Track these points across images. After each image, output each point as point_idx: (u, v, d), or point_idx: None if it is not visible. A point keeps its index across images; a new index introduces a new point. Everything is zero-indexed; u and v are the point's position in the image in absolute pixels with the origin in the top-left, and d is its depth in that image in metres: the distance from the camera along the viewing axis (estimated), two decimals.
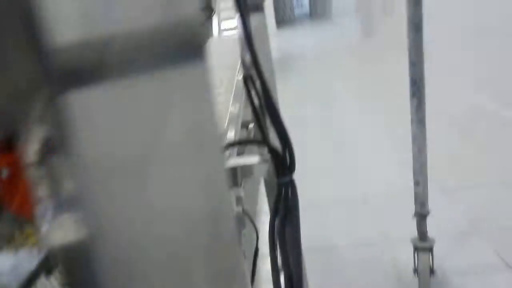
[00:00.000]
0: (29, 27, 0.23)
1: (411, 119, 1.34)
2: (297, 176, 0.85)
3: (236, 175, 0.82)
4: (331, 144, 2.71)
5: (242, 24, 0.73)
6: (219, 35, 2.93)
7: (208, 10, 3.38)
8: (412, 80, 1.29)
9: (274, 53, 6.20)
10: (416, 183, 1.39)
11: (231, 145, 0.88)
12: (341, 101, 3.65)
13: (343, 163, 2.45)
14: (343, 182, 2.24)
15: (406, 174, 1.49)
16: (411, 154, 1.38)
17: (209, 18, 3.28)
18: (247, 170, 0.83)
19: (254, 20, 0.93)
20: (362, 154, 2.53)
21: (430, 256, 1.41)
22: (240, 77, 1.15)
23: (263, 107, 0.94)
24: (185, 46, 0.25)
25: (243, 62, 1.02)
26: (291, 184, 0.91)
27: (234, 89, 1.40)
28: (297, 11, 11.92)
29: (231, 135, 1.31)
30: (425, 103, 1.32)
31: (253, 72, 0.85)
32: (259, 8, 1.13)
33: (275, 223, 0.93)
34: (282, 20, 10.63)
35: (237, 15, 0.74)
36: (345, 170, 2.36)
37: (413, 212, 1.42)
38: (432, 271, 1.41)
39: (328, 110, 3.43)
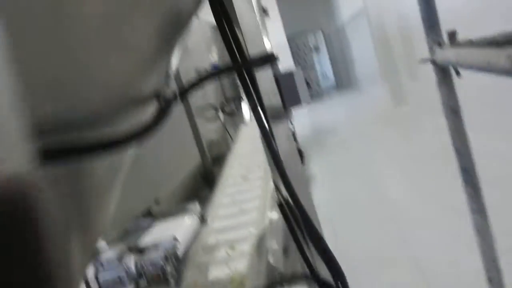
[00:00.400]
0: None
1: (470, 209, 1.22)
2: (352, 269, 0.75)
3: None
4: (382, 224, 2.54)
5: (273, 158, 0.69)
6: (250, 117, 2.95)
7: (237, 99, 3.47)
8: (462, 169, 1.19)
9: (306, 129, 6.22)
10: (489, 280, 1.22)
11: (278, 283, 0.80)
12: (383, 173, 3.51)
13: (399, 245, 2.27)
14: (405, 270, 2.05)
15: (470, 251, 1.33)
16: (470, 225, 1.24)
17: (238, 107, 3.35)
18: None
19: (279, 130, 0.88)
20: (418, 232, 2.35)
21: None
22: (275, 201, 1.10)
23: (305, 235, 0.86)
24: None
25: (276, 188, 0.97)
26: None
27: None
28: (323, 84, 12.23)
29: (273, 217, 1.21)
30: (481, 189, 1.21)
31: (288, 196, 0.79)
32: (282, 116, 1.11)
33: None
34: (310, 95, 10.90)
35: (264, 146, 0.71)
36: (404, 254, 2.17)
37: None
38: None
39: (371, 184, 3.29)
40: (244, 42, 0.55)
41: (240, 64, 0.56)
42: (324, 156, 4.45)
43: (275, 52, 0.60)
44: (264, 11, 4.31)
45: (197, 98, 2.89)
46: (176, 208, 1.41)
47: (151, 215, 1.42)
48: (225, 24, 0.54)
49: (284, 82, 0.62)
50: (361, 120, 5.93)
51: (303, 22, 10.66)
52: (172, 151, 1.73)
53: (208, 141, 2.94)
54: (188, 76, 2.32)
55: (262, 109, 0.61)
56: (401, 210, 2.70)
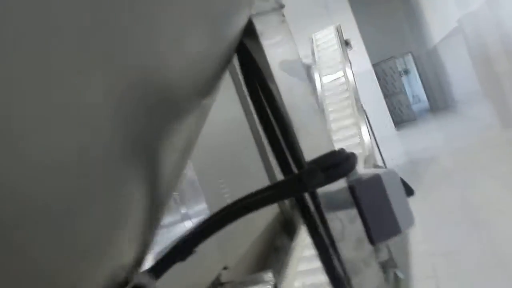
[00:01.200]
0: None
1: None
2: None
3: None
4: (502, 284, 2.11)
5: None
6: None
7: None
8: None
9: (399, 159, 5.73)
10: None
11: None
12: (500, 218, 2.96)
13: None
14: None
15: None
16: None
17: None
18: None
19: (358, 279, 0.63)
20: None
21: None
22: None
23: None
24: None
25: None
26: None
27: None
28: (415, 107, 11.43)
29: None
30: None
31: None
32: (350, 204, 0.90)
33: None
34: (401, 120, 10.24)
35: None
36: None
37: None
38: None
39: (485, 229, 2.81)
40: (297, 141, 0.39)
41: (292, 181, 0.38)
42: (423, 192, 4.00)
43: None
44: (347, 44, 4.11)
45: None
46: (249, 278, 1.28)
47: (220, 284, 1.31)
48: (269, 111, 0.38)
49: (367, 196, 0.41)
50: (463, 147, 5.32)
51: (389, 47, 10.21)
52: None
53: None
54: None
55: (334, 251, 0.42)
56: None
